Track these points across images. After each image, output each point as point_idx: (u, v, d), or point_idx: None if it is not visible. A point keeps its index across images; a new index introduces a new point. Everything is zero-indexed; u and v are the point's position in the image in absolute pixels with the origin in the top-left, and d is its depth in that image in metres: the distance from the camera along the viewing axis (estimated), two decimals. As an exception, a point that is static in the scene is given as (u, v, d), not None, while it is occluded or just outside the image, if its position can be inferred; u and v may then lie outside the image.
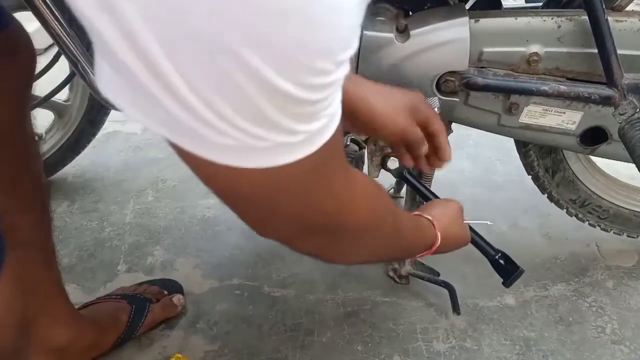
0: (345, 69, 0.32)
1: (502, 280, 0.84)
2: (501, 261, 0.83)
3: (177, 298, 0.94)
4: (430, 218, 0.68)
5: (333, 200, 0.41)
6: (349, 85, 0.58)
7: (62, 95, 1.16)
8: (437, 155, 0.70)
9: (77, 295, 0.99)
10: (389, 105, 0.63)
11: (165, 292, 0.95)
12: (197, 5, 0.24)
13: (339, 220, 0.43)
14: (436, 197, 0.83)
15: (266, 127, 0.30)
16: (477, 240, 0.84)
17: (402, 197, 1.19)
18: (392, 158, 0.85)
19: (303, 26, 0.27)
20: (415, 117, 0.66)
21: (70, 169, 1.29)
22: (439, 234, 0.67)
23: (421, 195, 0.85)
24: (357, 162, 0.91)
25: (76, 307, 0.85)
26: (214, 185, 0.35)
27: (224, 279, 1.04)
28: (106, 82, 0.30)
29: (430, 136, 0.68)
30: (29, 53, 0.65)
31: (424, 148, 0.68)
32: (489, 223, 0.84)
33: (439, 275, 0.99)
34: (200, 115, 0.28)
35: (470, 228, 0.83)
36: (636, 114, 0.79)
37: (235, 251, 1.11)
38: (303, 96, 0.29)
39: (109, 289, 0.99)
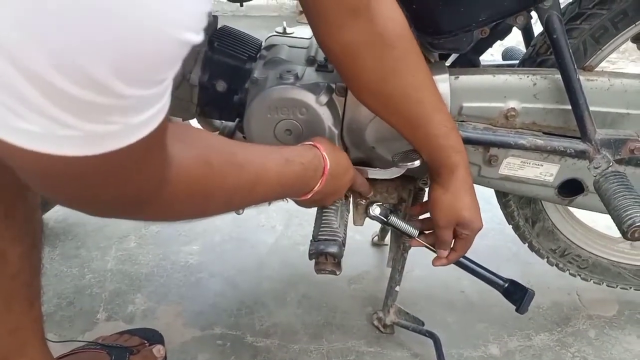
0: (142, 91, 0.34)
1: (515, 308, 0.87)
2: (511, 289, 0.86)
3: (157, 349, 0.92)
4: (315, 142, 0.71)
5: (139, 190, 0.44)
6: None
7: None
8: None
9: (54, 344, 0.96)
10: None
11: (146, 343, 0.93)
12: None
13: (147, 210, 0.48)
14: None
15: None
16: (483, 273, 0.86)
17: (387, 245, 1.20)
18: (375, 206, 0.86)
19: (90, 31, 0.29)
20: None
21: (53, 214, 1.28)
22: (325, 154, 0.70)
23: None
24: (342, 210, 0.92)
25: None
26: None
27: (205, 328, 1.02)
28: None
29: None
30: None
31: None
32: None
33: (423, 324, 0.99)
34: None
35: (473, 262, 0.86)
36: (610, 168, 0.82)
37: (218, 299, 1.09)
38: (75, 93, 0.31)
39: (88, 338, 0.97)
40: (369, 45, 0.66)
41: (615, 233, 0.93)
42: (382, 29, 0.66)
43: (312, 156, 0.69)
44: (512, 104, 0.81)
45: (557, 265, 1.05)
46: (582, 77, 0.79)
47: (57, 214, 1.29)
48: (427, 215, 0.83)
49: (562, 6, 0.79)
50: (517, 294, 0.88)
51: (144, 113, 0.36)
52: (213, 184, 0.54)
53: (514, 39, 1.00)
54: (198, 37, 0.34)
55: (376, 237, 1.24)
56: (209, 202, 0.55)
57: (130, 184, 0.43)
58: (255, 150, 0.64)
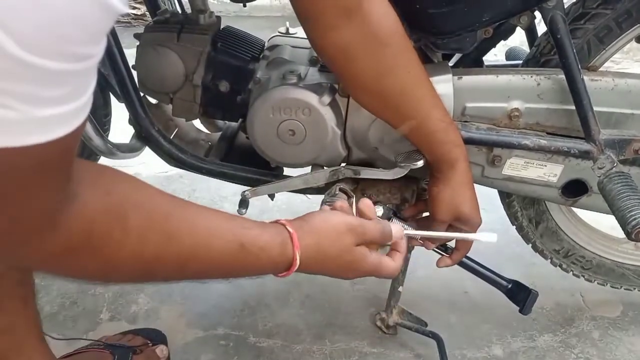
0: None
1: (518, 309, 0.87)
2: (514, 289, 0.87)
3: (160, 349, 0.92)
4: (292, 231, 0.56)
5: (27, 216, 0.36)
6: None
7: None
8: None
9: (58, 344, 0.96)
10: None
11: (149, 343, 0.93)
12: None
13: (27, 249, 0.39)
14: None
15: None
16: (486, 274, 0.87)
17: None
18: (378, 207, 0.86)
19: None
20: None
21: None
22: (297, 254, 0.56)
23: None
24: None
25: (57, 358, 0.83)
26: None
27: (208, 329, 1.02)
28: None
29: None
30: None
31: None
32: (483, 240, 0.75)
33: (426, 325, 0.99)
34: None
35: (477, 262, 0.86)
36: (614, 168, 0.82)
37: (221, 299, 1.09)
38: None
39: (91, 338, 0.97)
40: (363, 45, 0.66)
41: (620, 234, 0.93)
42: (376, 27, 0.65)
43: (277, 250, 0.55)
44: (516, 104, 0.81)
45: (560, 266, 1.05)
46: (586, 77, 0.79)
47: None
48: (425, 214, 0.84)
49: (566, 6, 0.79)
50: (520, 294, 0.88)
51: (48, 106, 0.29)
52: (122, 247, 0.44)
53: (518, 39, 0.99)
54: (123, 7, 0.29)
55: (379, 238, 1.24)
56: (114, 266, 0.46)
57: (11, 206, 0.34)
58: (204, 220, 0.51)
